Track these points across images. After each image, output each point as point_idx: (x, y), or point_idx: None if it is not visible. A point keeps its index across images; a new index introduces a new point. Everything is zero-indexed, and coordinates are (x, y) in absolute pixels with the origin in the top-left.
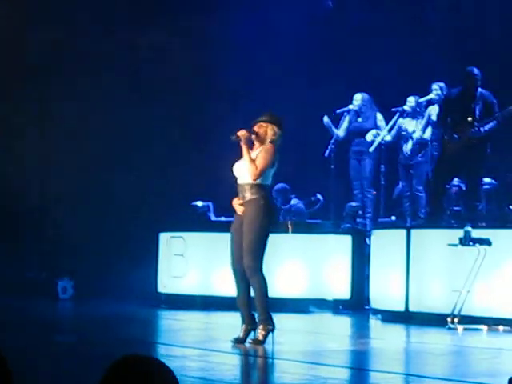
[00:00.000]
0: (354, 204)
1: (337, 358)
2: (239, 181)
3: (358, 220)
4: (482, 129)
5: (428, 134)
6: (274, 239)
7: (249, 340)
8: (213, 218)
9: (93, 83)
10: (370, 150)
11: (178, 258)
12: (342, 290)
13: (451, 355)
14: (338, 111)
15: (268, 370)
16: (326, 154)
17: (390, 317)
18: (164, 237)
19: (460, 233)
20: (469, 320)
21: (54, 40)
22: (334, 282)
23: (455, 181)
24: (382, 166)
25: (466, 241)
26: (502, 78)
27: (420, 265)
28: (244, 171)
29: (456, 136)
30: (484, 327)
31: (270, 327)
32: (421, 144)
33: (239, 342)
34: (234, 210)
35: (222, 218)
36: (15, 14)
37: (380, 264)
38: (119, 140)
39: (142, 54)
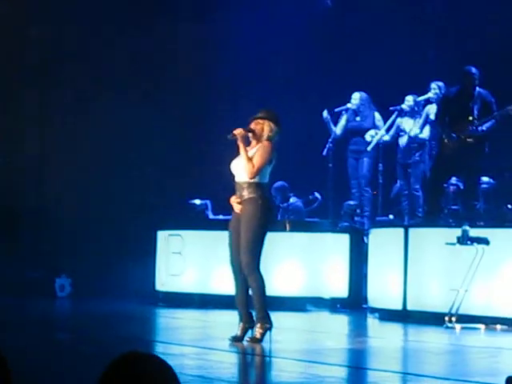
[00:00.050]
0: (351, 202)
1: (334, 356)
2: (237, 179)
3: (356, 218)
4: (480, 128)
5: (426, 133)
6: (271, 237)
7: (246, 338)
8: (211, 216)
9: (93, 83)
10: (368, 148)
11: (176, 256)
12: (339, 288)
13: (449, 354)
14: (336, 110)
15: (265, 369)
16: (324, 153)
17: (387, 315)
18: (162, 235)
19: (458, 232)
20: (466, 319)
21: (54, 40)
22: (331, 280)
23: (453, 180)
24: (380, 164)
25: (464, 240)
26: (500, 77)
27: (418, 263)
28: (241, 169)
29: (454, 135)
30: (482, 326)
31: (267, 325)
32: (419, 143)
33: (237, 340)
34: (231, 208)
35: (220, 216)
36: (15, 14)
37: (378, 262)
38: (119, 140)
39: (141, 54)
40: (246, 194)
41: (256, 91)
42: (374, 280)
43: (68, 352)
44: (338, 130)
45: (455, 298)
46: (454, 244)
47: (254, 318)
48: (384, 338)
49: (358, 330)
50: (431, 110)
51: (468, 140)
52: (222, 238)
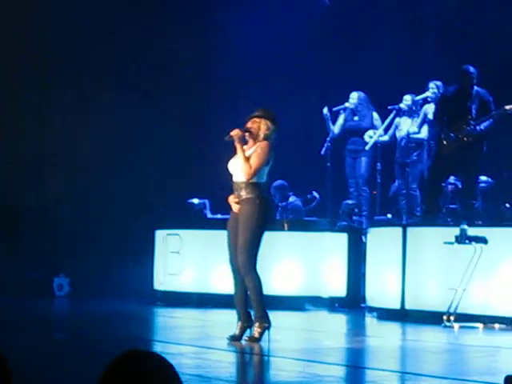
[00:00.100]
0: (350, 202)
1: (332, 355)
2: (234, 178)
3: (354, 218)
4: (478, 127)
5: (424, 132)
6: (270, 237)
7: (245, 337)
8: (209, 215)
9: (93, 83)
10: (367, 147)
11: (174, 256)
12: (337, 287)
13: (447, 353)
14: (334, 109)
15: (264, 368)
16: (322, 152)
17: (385, 315)
18: (160, 234)
19: (456, 231)
20: (465, 318)
21: (54, 40)
22: (329, 279)
23: (451, 179)
24: (378, 164)
25: (462, 239)
26: (498, 76)
27: (416, 263)
28: (239, 169)
29: (452, 134)
30: (480, 325)
31: (265, 325)
32: (417, 142)
33: (235, 339)
34: (230, 208)
35: (219, 216)
36: (15, 15)
37: (376, 262)
38: (119, 140)
39: (141, 54)
40: (243, 193)
41: (256, 91)
42: (373, 279)
43: (68, 352)
44: (335, 129)
45: (453, 297)
46: (452, 243)
47: (253, 317)
48: (382, 337)
49: (357, 329)
50: (429, 109)
51: (466, 139)
52: (220, 237)
